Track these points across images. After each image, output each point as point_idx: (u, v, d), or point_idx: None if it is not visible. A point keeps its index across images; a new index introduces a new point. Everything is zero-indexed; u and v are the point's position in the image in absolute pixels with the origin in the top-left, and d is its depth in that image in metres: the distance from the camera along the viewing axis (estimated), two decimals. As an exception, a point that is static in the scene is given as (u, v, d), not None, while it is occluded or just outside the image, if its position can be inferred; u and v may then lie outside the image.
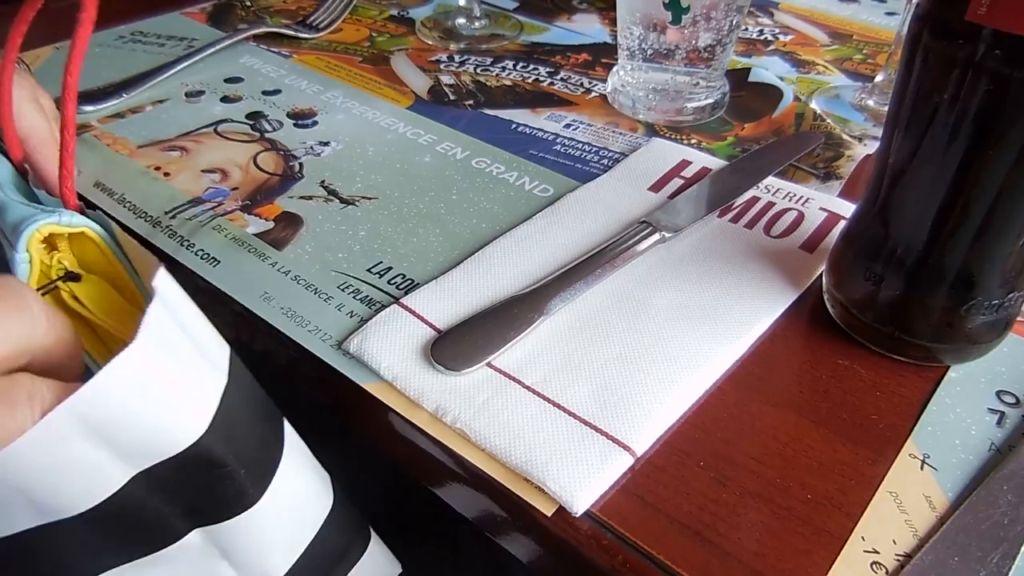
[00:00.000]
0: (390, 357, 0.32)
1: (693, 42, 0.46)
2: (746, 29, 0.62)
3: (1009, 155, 0.27)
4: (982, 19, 0.26)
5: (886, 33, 0.62)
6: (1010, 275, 0.30)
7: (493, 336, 0.32)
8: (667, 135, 0.48)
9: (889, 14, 0.66)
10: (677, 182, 0.43)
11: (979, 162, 0.27)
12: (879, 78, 0.52)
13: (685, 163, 0.44)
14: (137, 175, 0.44)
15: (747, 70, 0.55)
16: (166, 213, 0.41)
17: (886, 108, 0.51)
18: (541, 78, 0.55)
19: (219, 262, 0.37)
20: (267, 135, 0.47)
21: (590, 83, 0.54)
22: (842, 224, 0.39)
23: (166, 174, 0.44)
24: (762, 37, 0.62)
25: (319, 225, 0.40)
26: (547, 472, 0.27)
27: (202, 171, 0.44)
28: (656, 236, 0.38)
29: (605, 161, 0.45)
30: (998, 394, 0.31)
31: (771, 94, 0.52)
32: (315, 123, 0.49)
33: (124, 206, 0.41)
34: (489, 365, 0.31)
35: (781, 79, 0.55)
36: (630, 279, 0.36)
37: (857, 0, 0.68)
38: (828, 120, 0.50)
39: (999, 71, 0.26)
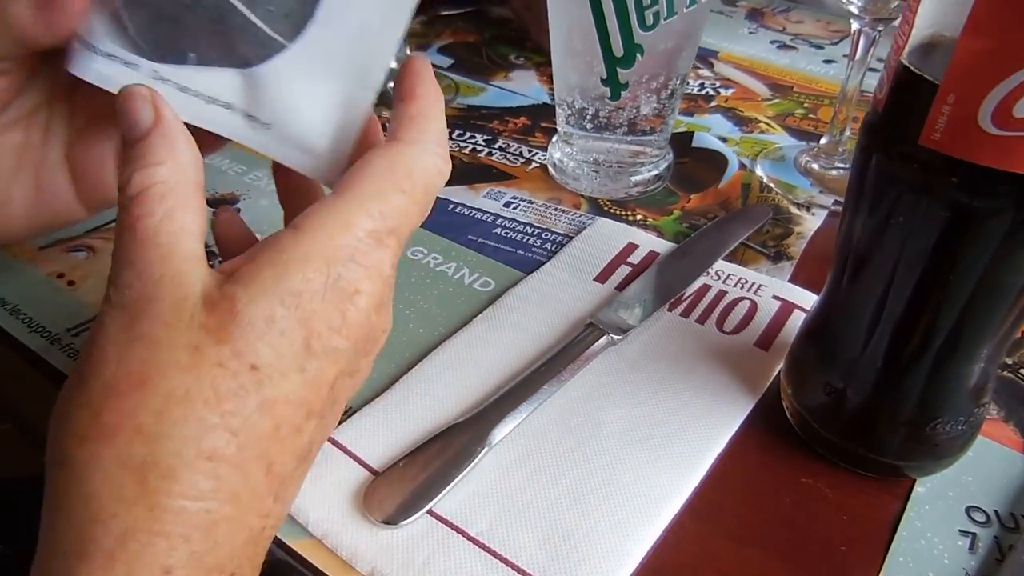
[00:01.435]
0: (319, 508, 0.29)
1: (635, 112, 0.44)
2: (687, 84, 0.61)
3: (969, 281, 0.25)
4: (936, 145, 0.24)
5: (826, 84, 0.62)
6: (976, 391, 0.29)
7: (433, 477, 0.29)
8: (611, 210, 0.46)
9: (827, 62, 0.65)
10: (624, 270, 0.41)
11: (938, 287, 0.26)
12: (823, 140, 0.51)
13: (632, 247, 0.42)
14: (37, 284, 0.40)
15: (690, 134, 0.53)
16: (68, 331, 0.37)
17: (831, 172, 0.50)
18: (479, 147, 0.52)
19: (128, 392, 0.34)
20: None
21: (530, 152, 0.52)
22: (797, 316, 0.37)
23: (70, 282, 0.40)
24: (703, 92, 0.60)
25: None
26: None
27: (111, 276, 0.40)
28: (604, 339, 0.35)
29: (548, 245, 0.43)
30: (968, 511, 0.30)
31: (716, 160, 0.51)
32: (237, 210, 0.46)
33: (18, 318, 0.38)
34: (430, 513, 0.29)
35: (724, 140, 0.53)
36: (579, 393, 0.33)
37: (795, 48, 0.68)
38: (775, 189, 0.48)
39: (956, 199, 0.24)
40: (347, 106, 0.26)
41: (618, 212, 0.46)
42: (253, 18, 0.25)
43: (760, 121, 0.56)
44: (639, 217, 0.46)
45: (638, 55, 0.41)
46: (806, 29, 0.72)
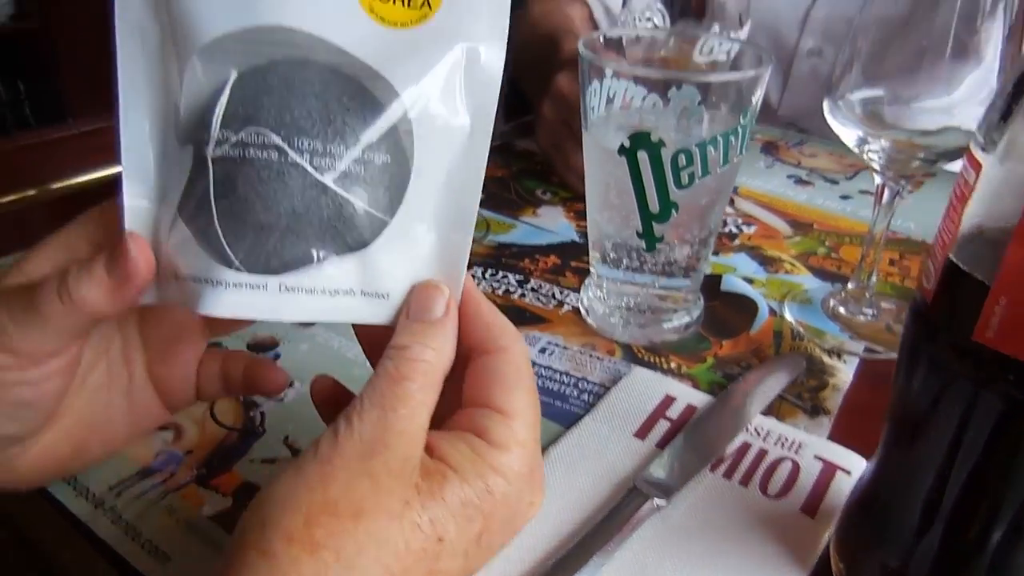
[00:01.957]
0: None
1: (668, 259, 0.45)
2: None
3: (1029, 476, 0.25)
4: (990, 342, 0.24)
5: (845, 221, 0.63)
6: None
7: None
8: (645, 357, 0.47)
9: (844, 198, 0.67)
10: (664, 424, 0.41)
11: (996, 475, 0.26)
12: (850, 285, 0.52)
13: (669, 400, 0.42)
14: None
15: (718, 277, 0.54)
16: (110, 489, 0.37)
17: (859, 318, 0.51)
18: (511, 288, 0.53)
19: (169, 559, 0.33)
20: (224, 374, 0.44)
21: (562, 293, 0.53)
22: (840, 478, 0.37)
23: (112, 434, 0.40)
24: (727, 230, 0.62)
25: (283, 499, 0.36)
26: None
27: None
28: (649, 505, 0.35)
29: (586, 396, 0.43)
30: None
31: (745, 305, 0.52)
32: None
33: (65, 480, 0.37)
34: None
35: (750, 282, 0.54)
36: (626, 567, 0.33)
37: (811, 183, 0.70)
38: (805, 335, 0.49)
39: (1011, 395, 0.25)
40: (450, 250, 0.28)
41: (652, 359, 0.47)
42: (361, 204, 0.27)
43: (784, 261, 0.57)
44: (673, 365, 0.46)
45: (673, 211, 0.42)
46: (821, 163, 0.74)
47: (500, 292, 0.53)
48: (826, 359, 0.47)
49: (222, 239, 0.26)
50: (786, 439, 0.40)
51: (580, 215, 0.63)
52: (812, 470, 0.38)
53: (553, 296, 0.53)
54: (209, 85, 0.26)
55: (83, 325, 0.28)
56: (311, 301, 0.27)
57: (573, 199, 0.65)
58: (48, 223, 0.29)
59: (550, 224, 0.62)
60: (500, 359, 0.28)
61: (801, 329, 0.49)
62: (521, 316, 0.50)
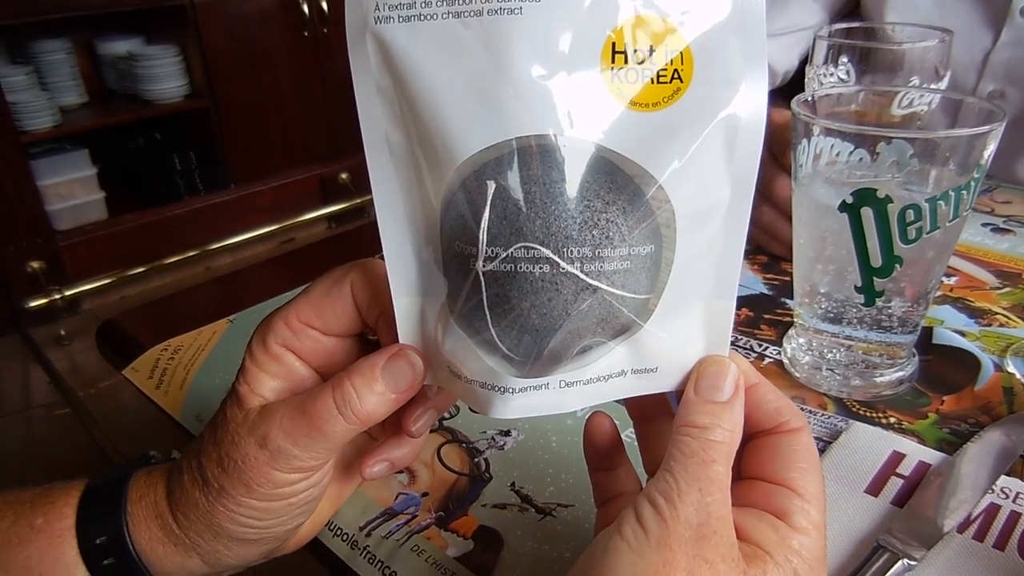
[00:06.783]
0: None
1: (887, 314, 0.44)
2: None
3: None
4: None
5: (1057, 270, 0.60)
6: None
7: None
8: (859, 411, 0.46)
9: (1051, 246, 0.64)
10: (896, 482, 0.40)
11: None
12: (1080, 339, 0.49)
13: (898, 456, 0.41)
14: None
15: (929, 329, 0.53)
16: (360, 529, 0.39)
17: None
18: (707, 341, 0.54)
19: (425, 596, 0.35)
20: (445, 423, 0.47)
21: (760, 347, 0.53)
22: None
23: (353, 477, 0.43)
24: (924, 281, 0.60)
25: (520, 544, 0.38)
26: None
27: (389, 471, 0.43)
28: (899, 566, 0.34)
29: (805, 450, 0.43)
30: None
31: (964, 359, 0.50)
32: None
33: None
34: None
35: (962, 335, 0.52)
36: (885, 627, 0.32)
37: (1011, 231, 0.67)
38: (1037, 391, 0.46)
39: None
40: (715, 318, 0.29)
41: (869, 415, 0.45)
42: (630, 295, 0.27)
43: (996, 313, 0.55)
44: (892, 420, 0.45)
45: (897, 266, 0.42)
46: (1017, 210, 0.71)
47: (697, 345, 0.53)
48: (1065, 417, 0.44)
49: (501, 346, 0.27)
50: (1039, 502, 0.38)
51: (764, 268, 0.63)
52: (1075, 536, 0.36)
53: (752, 349, 0.52)
54: (468, 199, 0.26)
55: (359, 430, 0.30)
56: (588, 389, 0.28)
57: (755, 251, 0.65)
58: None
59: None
60: (794, 440, 0.29)
61: (1031, 385, 0.47)
62: (723, 369, 0.50)
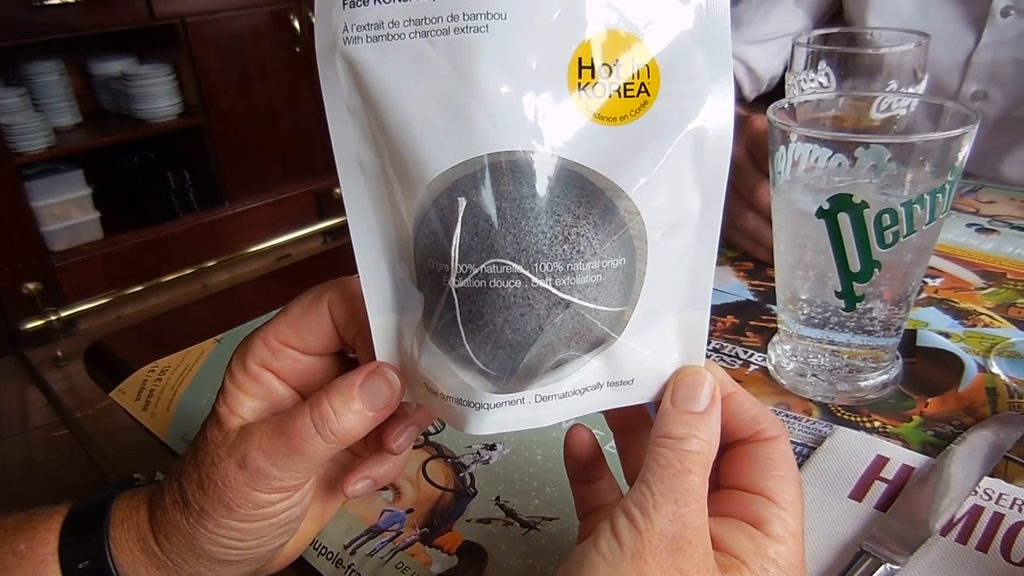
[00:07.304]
0: None
1: (867, 318, 0.45)
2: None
3: None
4: None
5: (1041, 269, 0.60)
6: None
7: None
8: (844, 416, 0.46)
9: (1035, 245, 0.64)
10: (880, 486, 0.40)
11: None
12: (1064, 338, 0.49)
13: (881, 460, 0.41)
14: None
15: (913, 332, 0.53)
16: (345, 547, 0.39)
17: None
18: (693, 349, 0.54)
19: (409, 613, 0.35)
20: (431, 438, 0.47)
21: (746, 353, 0.53)
22: (1093, 546, 0.35)
23: (339, 494, 0.43)
24: (909, 283, 0.60)
25: (504, 559, 0.38)
26: None
27: (374, 488, 0.43)
28: (883, 570, 0.34)
29: (789, 457, 0.43)
30: None
31: (948, 361, 0.50)
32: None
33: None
34: None
35: (947, 336, 0.52)
36: (868, 634, 0.32)
37: (996, 231, 0.67)
38: (1022, 391, 0.46)
39: None
40: (689, 328, 0.29)
41: (854, 419, 0.45)
42: (603, 308, 0.27)
43: (980, 313, 0.55)
44: (877, 424, 0.45)
45: (875, 270, 0.42)
46: (1002, 210, 0.71)
47: (683, 353, 0.53)
48: (1049, 417, 0.44)
49: (476, 362, 0.27)
50: (1022, 502, 0.38)
51: (750, 274, 0.63)
52: (1058, 536, 0.36)
53: (737, 356, 0.53)
54: (440, 217, 0.26)
55: (338, 448, 0.30)
56: (564, 403, 0.28)
57: (740, 258, 0.65)
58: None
59: (722, 284, 0.62)
60: (771, 448, 0.29)
61: (1016, 385, 0.47)
62: (708, 377, 0.50)
